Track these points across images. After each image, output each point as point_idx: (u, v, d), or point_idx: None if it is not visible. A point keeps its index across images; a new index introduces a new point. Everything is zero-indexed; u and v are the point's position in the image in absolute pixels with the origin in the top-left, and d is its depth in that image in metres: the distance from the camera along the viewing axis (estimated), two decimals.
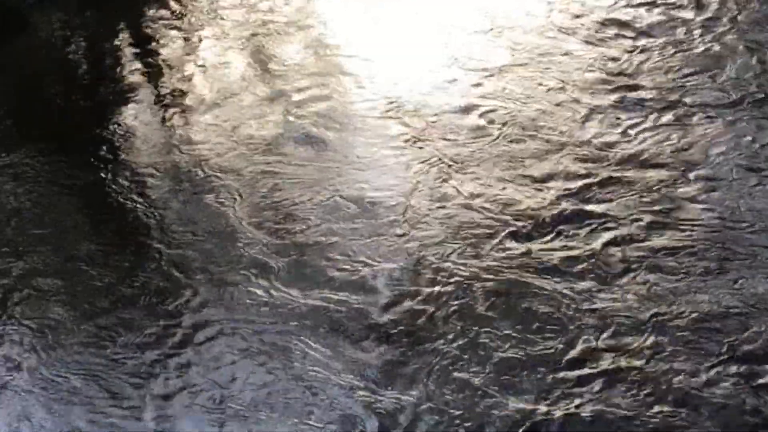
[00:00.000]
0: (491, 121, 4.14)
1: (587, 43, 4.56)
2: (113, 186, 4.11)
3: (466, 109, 4.25)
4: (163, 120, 4.55)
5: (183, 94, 4.73)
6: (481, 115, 4.18)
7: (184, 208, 3.92)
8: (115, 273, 3.60)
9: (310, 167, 4.06)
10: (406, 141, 4.11)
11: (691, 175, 3.66)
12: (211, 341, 3.24)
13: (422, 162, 3.97)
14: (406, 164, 3.97)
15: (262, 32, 5.17)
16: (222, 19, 5.34)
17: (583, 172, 3.77)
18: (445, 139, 4.08)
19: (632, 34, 4.58)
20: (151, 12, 5.46)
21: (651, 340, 2.98)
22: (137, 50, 5.20)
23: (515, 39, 4.69)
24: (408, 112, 4.30)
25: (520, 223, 3.54)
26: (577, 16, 4.76)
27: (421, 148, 4.05)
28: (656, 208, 3.53)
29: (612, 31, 4.62)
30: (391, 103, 4.38)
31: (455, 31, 4.89)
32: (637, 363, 2.92)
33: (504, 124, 4.10)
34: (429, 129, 4.16)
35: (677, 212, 3.49)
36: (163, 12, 5.44)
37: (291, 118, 4.41)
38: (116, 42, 5.30)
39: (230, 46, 5.13)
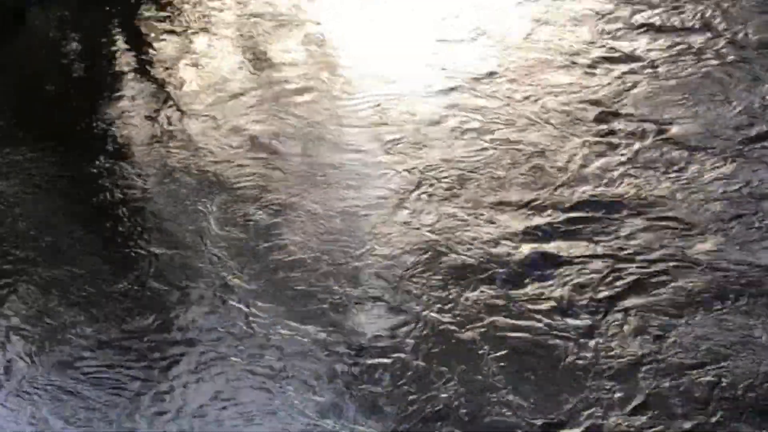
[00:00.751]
0: (467, 133, 4.16)
1: (573, 64, 4.46)
2: (107, 181, 4.23)
3: (442, 119, 4.27)
4: (156, 117, 4.65)
5: (177, 91, 4.83)
6: (463, 132, 4.18)
7: (168, 209, 4.01)
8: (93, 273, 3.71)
9: (284, 171, 4.14)
10: (386, 151, 4.13)
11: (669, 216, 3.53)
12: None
13: (398, 174, 3.97)
14: (383, 176, 3.98)
15: (255, 31, 5.27)
16: (215, 17, 5.43)
17: (554, 202, 3.67)
18: (421, 149, 4.09)
19: (620, 56, 4.47)
20: (146, 11, 5.55)
21: None
22: (133, 48, 5.29)
23: (506, 51, 4.68)
24: (392, 119, 4.38)
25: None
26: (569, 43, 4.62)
27: (399, 159, 4.08)
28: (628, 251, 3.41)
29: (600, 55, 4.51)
30: (377, 106, 4.47)
31: (447, 32, 4.93)
32: None
33: (482, 138, 4.10)
34: (408, 140, 4.17)
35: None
36: (159, 11, 5.53)
37: (278, 118, 4.51)
38: (112, 40, 5.39)
39: (224, 45, 5.21)
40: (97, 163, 4.35)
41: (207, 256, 3.70)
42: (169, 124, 4.59)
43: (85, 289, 3.62)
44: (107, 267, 3.72)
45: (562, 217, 3.61)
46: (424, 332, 3.21)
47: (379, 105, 4.46)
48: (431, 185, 3.90)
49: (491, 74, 4.53)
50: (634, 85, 4.28)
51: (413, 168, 4.01)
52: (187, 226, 3.89)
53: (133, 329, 3.42)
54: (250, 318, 3.37)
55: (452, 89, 4.49)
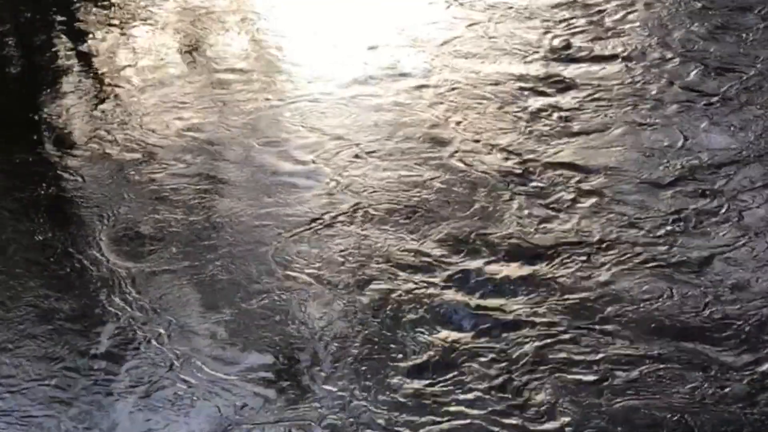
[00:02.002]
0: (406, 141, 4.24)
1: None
2: (42, 174, 4.25)
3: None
4: (94, 109, 4.67)
5: (115, 85, 4.86)
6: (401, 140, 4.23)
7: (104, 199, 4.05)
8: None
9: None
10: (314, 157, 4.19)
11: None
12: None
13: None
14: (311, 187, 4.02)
15: (197, 25, 5.30)
16: (155, 10, 5.44)
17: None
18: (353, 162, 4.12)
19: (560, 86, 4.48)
20: (85, 4, 5.54)
21: None
22: (71, 41, 5.29)
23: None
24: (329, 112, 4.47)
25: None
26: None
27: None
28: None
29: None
30: (314, 101, 4.56)
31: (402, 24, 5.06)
32: None
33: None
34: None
35: None
36: (98, 4, 5.53)
37: (218, 111, 4.57)
38: (50, 34, 5.38)
39: (164, 39, 5.24)
40: (33, 155, 4.37)
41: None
42: (108, 117, 4.61)
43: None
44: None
45: None
46: None
47: (316, 100, 4.55)
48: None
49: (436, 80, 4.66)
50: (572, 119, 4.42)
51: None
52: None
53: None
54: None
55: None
